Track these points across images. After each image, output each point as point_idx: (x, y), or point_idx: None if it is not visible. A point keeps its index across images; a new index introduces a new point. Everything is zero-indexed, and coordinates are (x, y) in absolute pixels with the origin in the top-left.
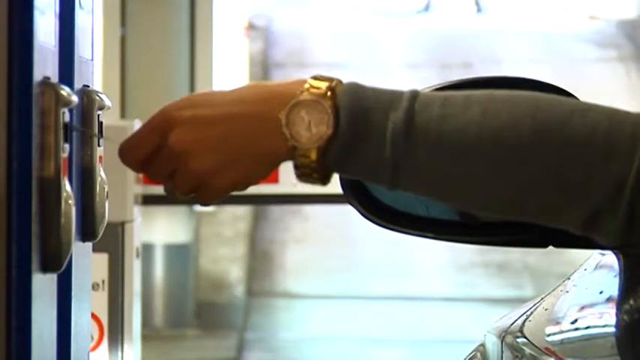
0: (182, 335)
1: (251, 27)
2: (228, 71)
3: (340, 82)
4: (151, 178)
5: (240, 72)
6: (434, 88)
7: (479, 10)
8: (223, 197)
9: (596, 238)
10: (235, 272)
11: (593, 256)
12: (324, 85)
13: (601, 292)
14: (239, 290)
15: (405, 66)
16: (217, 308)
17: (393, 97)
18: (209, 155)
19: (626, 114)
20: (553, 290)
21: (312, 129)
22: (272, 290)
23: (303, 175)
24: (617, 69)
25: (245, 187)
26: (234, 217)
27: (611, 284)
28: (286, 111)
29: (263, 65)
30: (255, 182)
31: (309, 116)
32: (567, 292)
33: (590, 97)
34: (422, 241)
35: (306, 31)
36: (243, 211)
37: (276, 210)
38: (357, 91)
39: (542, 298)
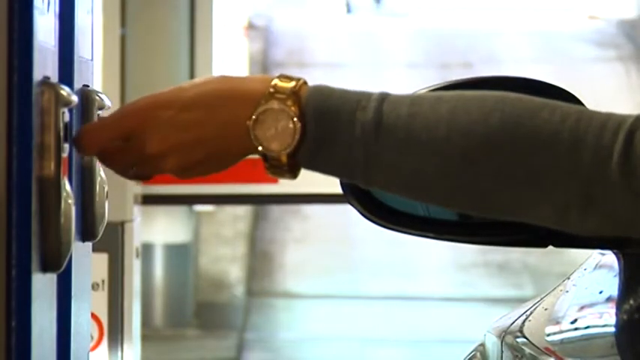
0: (182, 335)
1: (251, 27)
2: (228, 71)
3: (305, 83)
4: (106, 165)
5: (240, 72)
6: (434, 88)
7: (349, 10)
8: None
9: (571, 231)
10: (235, 272)
11: (593, 256)
12: (288, 87)
13: (601, 292)
14: (239, 290)
15: (405, 66)
16: (217, 308)
17: (361, 97)
18: (179, 158)
19: (599, 112)
20: (553, 290)
21: (279, 137)
22: (272, 290)
23: (273, 172)
24: (617, 69)
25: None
26: (234, 217)
27: (611, 284)
28: (253, 119)
29: (263, 65)
30: (219, 171)
31: (275, 124)
32: (567, 291)
33: (590, 97)
34: (422, 241)
35: (306, 31)
36: (243, 211)
37: (276, 210)
38: (322, 93)
39: (542, 298)
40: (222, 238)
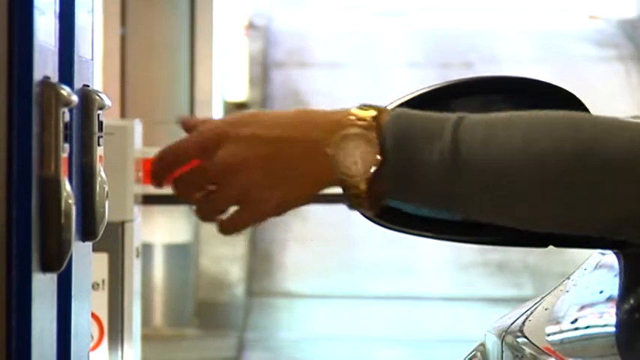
0: (182, 335)
1: (251, 26)
2: (228, 71)
3: (385, 110)
4: (178, 193)
5: (240, 71)
6: (434, 88)
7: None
8: (258, 222)
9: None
10: (235, 272)
11: (593, 255)
12: (369, 115)
13: (601, 292)
14: (239, 290)
15: (405, 65)
16: (217, 308)
17: (439, 123)
18: (257, 172)
19: None
20: (553, 290)
21: (359, 162)
22: (272, 290)
23: (354, 205)
24: (617, 69)
25: (285, 211)
26: None
27: (612, 284)
28: (334, 143)
29: (263, 65)
30: (296, 206)
31: (356, 149)
32: (567, 291)
33: (590, 97)
34: (422, 241)
35: (306, 30)
36: None
37: None
38: (402, 121)
39: (542, 298)
40: (223, 238)
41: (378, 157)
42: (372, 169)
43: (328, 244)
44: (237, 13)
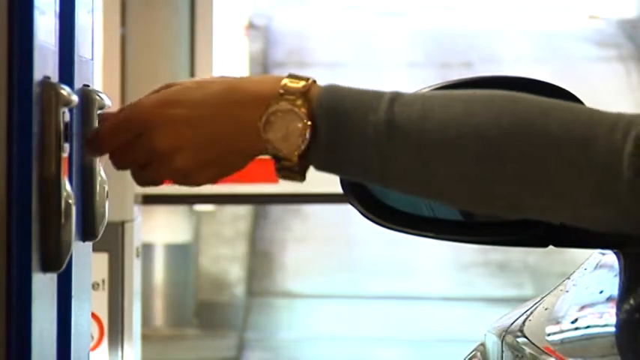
0: (182, 335)
1: (251, 26)
2: (228, 71)
3: (314, 82)
4: (117, 166)
5: (240, 71)
6: (434, 87)
7: None
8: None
9: (589, 228)
10: (235, 272)
11: (593, 255)
12: (298, 87)
13: (601, 292)
14: (239, 290)
15: (405, 65)
16: (217, 308)
17: (372, 97)
18: (192, 155)
19: (609, 112)
20: (553, 290)
21: (290, 138)
22: (272, 290)
23: (283, 175)
24: (617, 69)
25: (216, 182)
26: (234, 217)
27: (611, 284)
28: (263, 120)
29: (263, 65)
30: (231, 175)
31: (286, 125)
32: (567, 291)
33: (590, 97)
34: (422, 241)
35: (306, 30)
36: (243, 210)
37: (276, 210)
38: (333, 94)
39: (542, 298)
40: (223, 238)
41: (308, 132)
42: (303, 145)
43: (328, 243)
44: (237, 13)
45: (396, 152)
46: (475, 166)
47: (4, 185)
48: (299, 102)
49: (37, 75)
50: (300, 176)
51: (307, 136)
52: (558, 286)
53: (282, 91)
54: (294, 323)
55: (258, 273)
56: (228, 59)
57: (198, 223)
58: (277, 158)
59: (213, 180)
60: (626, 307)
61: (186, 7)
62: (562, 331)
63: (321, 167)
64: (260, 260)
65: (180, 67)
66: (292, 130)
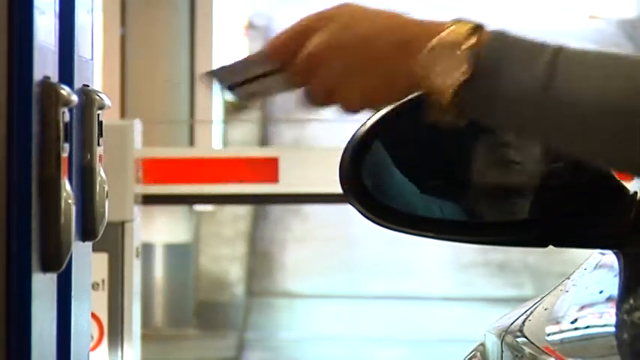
0: (182, 335)
1: (251, 26)
2: None
3: (482, 26)
4: (299, 81)
5: None
6: None
7: None
8: (360, 110)
9: None
10: (235, 272)
11: (593, 255)
12: (464, 29)
13: (601, 292)
14: (239, 290)
15: None
16: (217, 308)
17: (538, 51)
18: (339, 62)
19: None
20: (553, 290)
21: (447, 72)
22: (272, 290)
23: (434, 114)
24: None
25: (375, 106)
26: (234, 217)
27: (611, 284)
28: (426, 50)
29: None
30: (385, 103)
31: (445, 59)
32: (567, 291)
33: None
34: (422, 241)
35: None
36: (243, 210)
37: (276, 210)
38: (500, 43)
39: (542, 298)
40: (222, 238)
41: (468, 70)
42: (461, 80)
43: (328, 243)
44: (237, 13)
45: (548, 108)
46: (623, 135)
47: (4, 185)
48: (464, 41)
49: (37, 75)
50: (452, 115)
51: (466, 74)
52: (558, 286)
53: (448, 31)
54: (294, 323)
55: (258, 273)
56: (228, 59)
57: (198, 223)
58: (429, 94)
59: (363, 98)
60: (626, 307)
61: (186, 7)
62: (562, 331)
63: (471, 111)
64: (260, 260)
65: (180, 67)
66: (452, 65)
